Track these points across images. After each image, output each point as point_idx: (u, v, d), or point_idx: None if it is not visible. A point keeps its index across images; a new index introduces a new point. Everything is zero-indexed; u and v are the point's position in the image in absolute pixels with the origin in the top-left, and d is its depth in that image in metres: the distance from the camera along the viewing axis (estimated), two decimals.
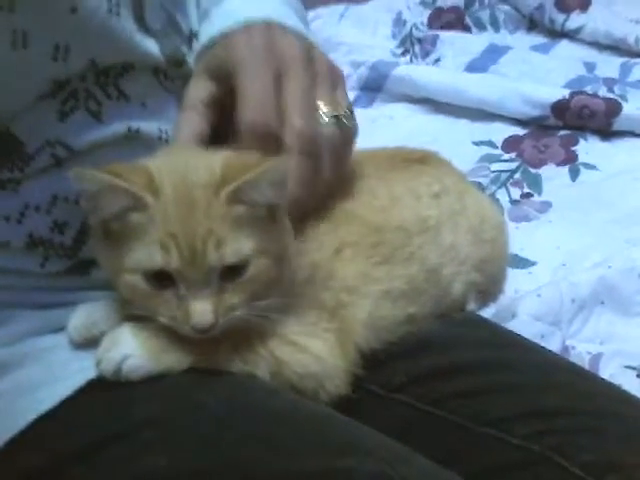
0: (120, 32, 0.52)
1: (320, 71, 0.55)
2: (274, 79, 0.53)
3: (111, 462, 0.48)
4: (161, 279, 0.47)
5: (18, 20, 0.48)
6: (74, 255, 0.55)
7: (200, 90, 0.55)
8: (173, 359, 0.50)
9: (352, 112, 0.56)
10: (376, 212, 0.59)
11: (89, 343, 0.52)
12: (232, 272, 0.48)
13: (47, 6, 0.48)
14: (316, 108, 0.54)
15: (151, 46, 0.55)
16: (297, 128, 0.51)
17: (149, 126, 0.56)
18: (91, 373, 0.50)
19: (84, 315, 0.53)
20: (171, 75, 0.58)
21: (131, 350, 0.49)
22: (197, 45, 0.59)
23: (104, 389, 0.50)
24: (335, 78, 0.57)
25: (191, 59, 0.60)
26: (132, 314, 0.52)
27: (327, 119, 0.54)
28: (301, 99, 0.52)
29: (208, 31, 0.57)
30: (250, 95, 0.52)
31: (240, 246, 0.47)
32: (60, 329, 0.53)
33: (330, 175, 0.54)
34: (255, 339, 0.51)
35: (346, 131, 0.55)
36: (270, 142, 0.51)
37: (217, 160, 0.49)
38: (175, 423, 0.49)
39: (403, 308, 0.58)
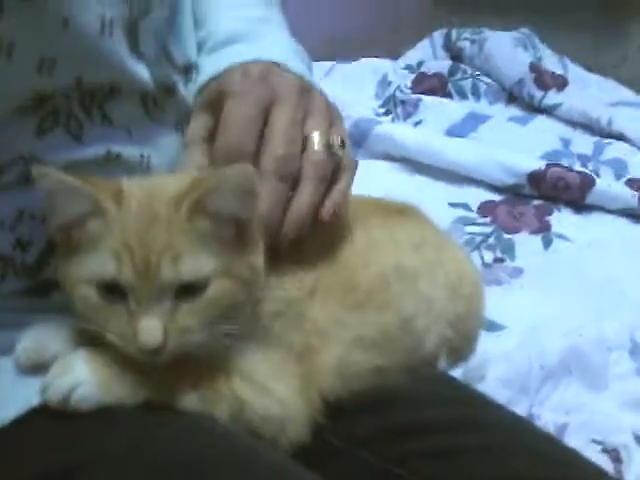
0: (111, 53, 0.51)
1: (316, 104, 0.55)
2: (262, 108, 0.53)
3: None
4: (113, 292, 0.45)
5: (4, 28, 0.46)
6: (36, 275, 0.52)
7: (199, 125, 0.56)
8: (126, 391, 0.47)
9: (345, 144, 0.56)
10: (353, 256, 0.57)
11: (37, 368, 0.49)
12: (189, 292, 0.45)
13: (37, 17, 0.47)
14: (303, 137, 0.53)
15: (141, 70, 0.54)
16: (275, 154, 0.51)
17: (130, 151, 0.54)
18: (35, 400, 0.47)
19: (35, 336, 0.50)
20: (161, 103, 0.57)
21: (82, 378, 0.46)
22: (198, 78, 0.59)
23: (49, 418, 0.46)
24: (332, 114, 0.57)
25: (186, 90, 0.59)
26: (87, 339, 0.49)
27: (317, 147, 0.53)
28: (286, 128, 0.52)
29: (211, 68, 0.57)
30: (230, 121, 0.52)
31: (199, 264, 0.45)
32: (9, 351, 0.50)
33: (312, 195, 0.53)
34: (217, 376, 0.48)
35: (337, 160, 0.55)
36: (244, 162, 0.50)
37: (187, 177, 0.48)
38: (124, 462, 0.45)
39: (374, 358, 0.56)
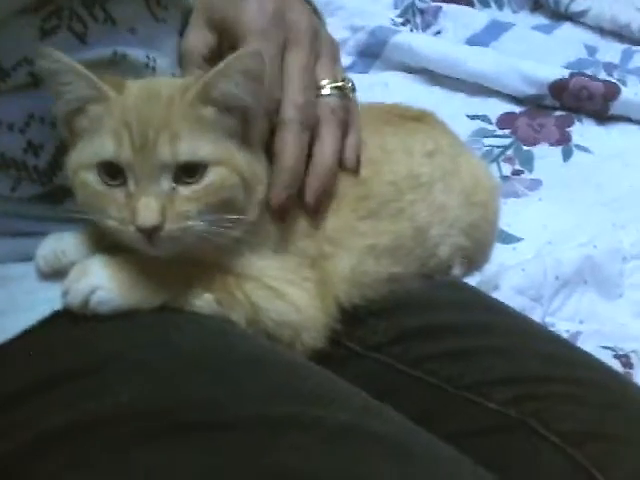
0: None
1: (323, 47, 0.55)
2: (279, 50, 0.52)
3: (71, 396, 0.46)
4: (113, 175, 0.45)
5: None
6: (48, 181, 0.52)
7: (201, 43, 0.55)
8: (144, 295, 0.47)
9: (352, 84, 0.57)
10: (366, 164, 0.56)
11: (57, 273, 0.49)
12: (188, 176, 0.45)
13: None
14: (317, 81, 0.54)
15: None
16: (295, 101, 0.51)
17: (136, 53, 0.53)
18: (57, 304, 0.48)
19: (53, 244, 0.50)
20: (164, 3, 0.55)
21: (101, 282, 0.47)
22: None
23: (70, 322, 0.47)
24: (336, 53, 0.57)
25: None
26: (104, 246, 0.50)
27: (330, 91, 0.54)
28: (302, 73, 0.52)
29: None
30: None
31: (198, 146, 0.45)
32: (28, 259, 0.51)
33: (334, 143, 0.53)
34: (231, 280, 0.49)
35: (347, 101, 0.55)
36: (271, 108, 0.51)
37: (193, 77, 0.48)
38: (141, 360, 0.47)
39: (387, 266, 0.56)
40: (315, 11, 0.58)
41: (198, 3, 0.56)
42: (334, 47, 0.57)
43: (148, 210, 0.44)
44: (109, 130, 0.45)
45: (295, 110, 0.51)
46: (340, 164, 0.54)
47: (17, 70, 0.49)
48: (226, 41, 0.54)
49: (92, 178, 0.46)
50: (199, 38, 0.55)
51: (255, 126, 0.48)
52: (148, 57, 0.54)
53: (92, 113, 0.46)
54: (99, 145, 0.45)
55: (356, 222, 0.55)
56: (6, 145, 0.50)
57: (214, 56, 0.54)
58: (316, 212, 0.52)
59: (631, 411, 0.52)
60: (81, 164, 0.46)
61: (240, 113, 0.47)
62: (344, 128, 0.54)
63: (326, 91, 0.54)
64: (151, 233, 0.44)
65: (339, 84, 0.54)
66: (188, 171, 0.45)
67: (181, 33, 0.57)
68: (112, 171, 0.45)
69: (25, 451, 0.46)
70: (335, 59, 0.57)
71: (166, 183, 0.45)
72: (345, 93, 0.55)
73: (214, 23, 0.54)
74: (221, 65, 0.46)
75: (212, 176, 0.46)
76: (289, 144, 0.51)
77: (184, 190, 0.45)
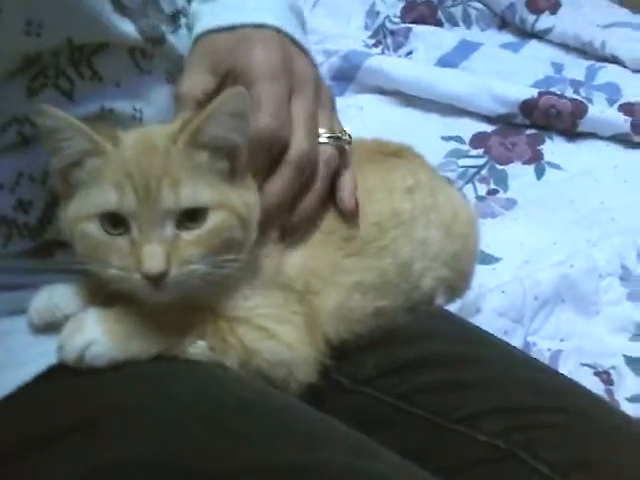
0: (95, 11, 0.50)
1: (324, 98, 0.58)
2: (288, 94, 0.54)
3: (71, 452, 0.47)
4: (115, 224, 0.46)
5: None
6: (38, 236, 0.53)
7: (197, 87, 0.55)
8: (139, 346, 0.48)
9: (348, 134, 0.59)
10: None
11: (51, 327, 0.50)
12: (190, 222, 0.47)
13: None
14: (318, 130, 0.56)
15: (127, 26, 0.54)
16: (301, 147, 0.53)
17: (123, 105, 0.54)
18: (53, 358, 0.48)
19: (46, 297, 0.51)
20: (149, 54, 0.56)
21: (95, 336, 0.47)
22: (195, 26, 0.58)
23: (66, 375, 0.48)
24: (333, 104, 0.60)
25: (175, 37, 0.58)
26: (97, 298, 0.50)
27: (326, 140, 0.56)
28: (308, 120, 0.54)
29: (214, 19, 0.57)
30: (270, 104, 0.52)
31: (198, 192, 0.46)
32: (20, 312, 0.51)
33: (323, 194, 0.56)
34: (222, 324, 0.50)
35: (342, 150, 0.57)
36: (278, 147, 0.52)
37: (180, 122, 0.49)
38: (141, 412, 0.47)
39: (373, 301, 0.57)
40: (314, 63, 0.59)
41: (199, 49, 0.57)
42: (331, 98, 0.60)
43: (154, 257, 0.45)
44: (110, 181, 0.46)
45: (299, 155, 0.53)
46: (339, 208, 0.56)
47: (7, 130, 0.50)
48: (222, 80, 0.55)
49: (93, 228, 0.47)
50: (197, 82, 0.55)
51: (242, 156, 0.50)
52: (135, 109, 0.55)
53: (90, 166, 0.47)
54: (100, 196, 0.46)
55: (342, 260, 0.56)
56: None
57: (209, 98, 0.54)
58: (296, 231, 0.54)
59: (617, 439, 0.53)
60: (80, 216, 0.47)
61: (228, 151, 0.49)
62: (334, 177, 0.56)
63: (323, 139, 0.56)
64: (157, 279, 0.45)
65: (336, 134, 0.57)
66: (190, 216, 0.46)
67: (167, 80, 0.58)
68: (114, 221, 0.46)
69: None
70: (333, 109, 0.59)
71: (169, 229, 0.46)
72: (341, 144, 0.57)
73: (219, 69, 0.55)
74: (208, 109, 0.47)
75: (213, 220, 0.47)
76: (280, 180, 0.52)
77: (187, 235, 0.46)
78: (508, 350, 0.62)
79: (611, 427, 0.54)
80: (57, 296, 0.51)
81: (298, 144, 0.53)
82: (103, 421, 0.47)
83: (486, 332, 0.64)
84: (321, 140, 0.56)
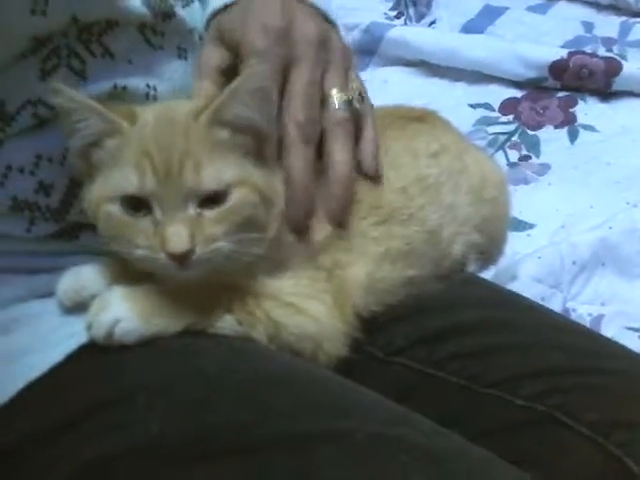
0: None
1: (333, 57, 0.55)
2: (279, 69, 0.52)
3: (103, 429, 0.47)
4: (138, 205, 0.46)
5: None
6: (61, 218, 0.53)
7: (214, 58, 0.55)
8: (166, 322, 0.48)
9: (363, 95, 0.57)
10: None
11: (78, 307, 0.50)
12: (212, 201, 0.46)
13: None
14: (325, 93, 0.54)
15: (134, 1, 0.53)
16: (296, 119, 0.52)
17: (136, 82, 0.54)
18: (82, 338, 0.49)
19: (73, 278, 0.51)
20: (160, 30, 0.56)
21: (122, 313, 0.47)
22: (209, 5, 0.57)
23: (96, 354, 0.48)
24: (347, 62, 0.57)
25: (186, 11, 0.58)
26: (122, 277, 0.50)
27: (338, 105, 0.54)
28: (304, 90, 0.53)
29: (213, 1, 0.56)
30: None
31: (220, 172, 0.46)
32: (48, 294, 0.52)
33: (343, 154, 0.53)
34: (249, 300, 0.49)
35: (358, 114, 0.55)
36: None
37: (201, 100, 0.49)
38: (169, 388, 0.47)
39: (402, 270, 0.56)
40: (326, 18, 0.57)
41: (212, 26, 0.57)
42: (345, 54, 0.57)
43: (178, 237, 0.44)
44: (129, 162, 0.46)
45: (296, 128, 0.52)
46: (360, 171, 0.54)
47: (21, 113, 0.50)
48: (237, 54, 0.54)
49: (116, 210, 0.46)
50: (214, 53, 0.55)
51: (269, 141, 0.49)
52: (148, 86, 0.54)
53: (108, 146, 0.47)
54: (121, 178, 0.46)
55: (368, 229, 0.55)
56: (18, 188, 0.51)
57: (231, 73, 0.54)
58: (341, 221, 0.52)
59: None
60: (103, 197, 0.47)
61: (253, 131, 0.48)
62: (353, 139, 0.54)
63: (333, 102, 0.54)
64: (183, 258, 0.45)
65: (346, 95, 0.55)
66: (212, 197, 0.46)
67: (179, 56, 0.58)
68: (136, 203, 0.46)
69: None
70: (346, 67, 0.56)
71: (192, 209, 0.45)
72: (352, 103, 0.55)
73: (225, 42, 0.55)
74: (231, 87, 0.47)
75: (235, 197, 0.46)
76: (294, 162, 0.52)
77: (209, 213, 0.46)
78: (544, 313, 0.60)
79: None
80: (83, 277, 0.51)
81: (292, 117, 0.52)
82: (131, 398, 0.47)
83: (520, 296, 0.63)
84: (330, 103, 0.54)
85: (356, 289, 0.53)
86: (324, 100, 0.54)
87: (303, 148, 0.52)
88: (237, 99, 0.47)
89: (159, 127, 0.47)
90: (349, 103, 0.55)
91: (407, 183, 0.57)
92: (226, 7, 0.56)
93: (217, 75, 0.55)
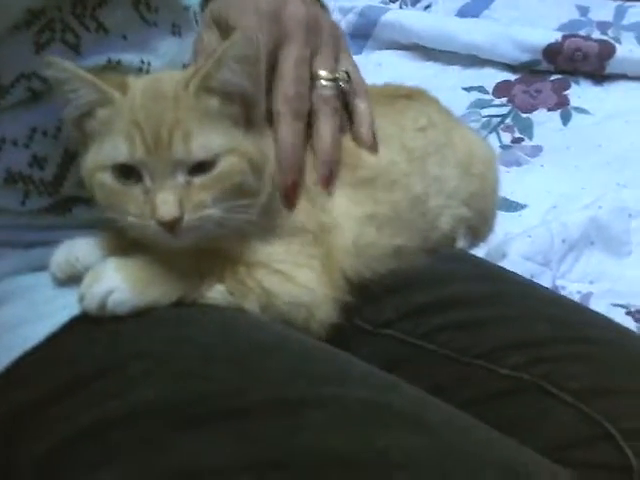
0: None
1: (323, 40, 0.58)
2: (272, 47, 0.55)
3: (97, 397, 0.48)
4: (129, 174, 0.47)
5: None
6: (55, 192, 0.53)
7: (213, 41, 0.57)
8: (159, 292, 0.49)
9: (351, 75, 0.59)
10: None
11: (72, 280, 0.51)
12: (201, 169, 0.47)
13: None
14: (314, 72, 0.56)
15: None
16: (285, 94, 0.54)
17: (130, 57, 0.54)
18: (75, 309, 0.49)
19: (66, 251, 0.52)
20: (154, 6, 0.56)
21: (115, 284, 0.48)
22: None
23: (89, 325, 0.49)
24: (337, 44, 0.60)
25: None
26: (115, 249, 0.51)
27: (326, 83, 0.57)
28: (294, 67, 0.55)
29: None
30: None
31: (209, 142, 0.47)
32: (42, 267, 0.52)
33: (329, 129, 0.56)
34: (241, 269, 0.50)
35: (346, 92, 0.58)
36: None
37: (191, 69, 0.49)
38: (163, 357, 0.48)
39: (390, 237, 0.57)
40: (317, 1, 0.59)
41: (208, 10, 0.59)
42: (335, 36, 0.59)
43: (167, 204, 0.45)
44: (119, 132, 0.47)
45: (285, 102, 0.53)
46: (359, 143, 0.57)
47: (15, 86, 0.50)
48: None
49: (108, 179, 0.47)
50: (211, 36, 0.57)
51: (257, 107, 0.50)
52: (142, 61, 0.55)
53: (101, 116, 0.48)
54: (112, 148, 0.47)
55: (352, 191, 0.56)
56: (12, 160, 0.52)
57: None
58: (328, 184, 0.55)
59: None
60: (96, 166, 0.48)
61: (241, 98, 0.49)
62: (339, 117, 0.56)
63: (321, 82, 0.56)
64: (172, 225, 0.46)
65: (332, 75, 0.57)
66: (201, 164, 0.47)
67: (173, 33, 0.59)
68: (127, 171, 0.47)
69: (57, 451, 0.48)
70: (335, 49, 0.59)
71: (181, 177, 0.46)
72: (338, 81, 0.57)
73: (221, 26, 0.57)
74: (216, 54, 0.47)
75: (223, 165, 0.47)
76: (283, 133, 0.53)
77: (198, 180, 0.47)
78: (530, 287, 0.62)
79: (634, 354, 0.53)
80: (77, 249, 0.52)
81: (281, 92, 0.54)
82: (125, 367, 0.48)
83: (507, 271, 0.64)
84: (318, 83, 0.56)
85: (343, 253, 0.54)
86: (313, 80, 0.56)
87: (292, 122, 0.53)
88: (223, 66, 0.47)
89: (149, 96, 0.47)
90: (335, 81, 0.57)
91: (392, 152, 0.58)
92: None
93: None
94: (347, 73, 0.58)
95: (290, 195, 0.53)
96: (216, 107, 0.48)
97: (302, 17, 0.56)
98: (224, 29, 0.56)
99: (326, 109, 0.55)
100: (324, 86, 0.56)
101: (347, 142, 0.57)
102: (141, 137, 0.46)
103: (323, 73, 0.56)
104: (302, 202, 0.53)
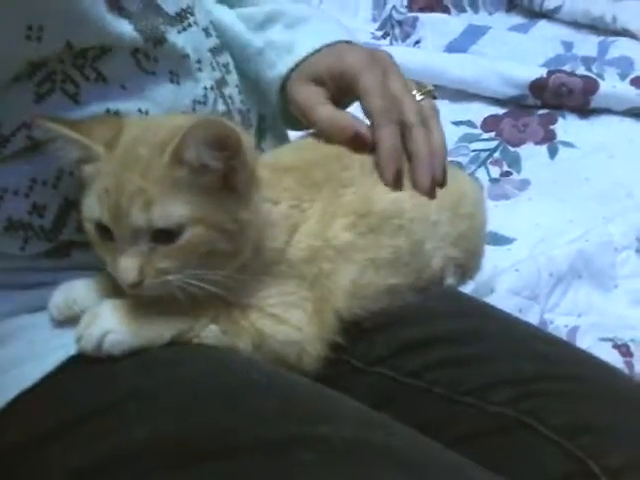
0: (91, 13, 0.52)
1: (388, 68, 0.66)
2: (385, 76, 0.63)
3: (93, 436, 0.49)
4: (106, 230, 0.49)
5: None
6: (54, 238, 0.55)
7: (313, 92, 0.64)
8: (154, 333, 0.50)
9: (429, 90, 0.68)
10: (367, 185, 0.59)
11: (70, 321, 0.52)
12: (166, 236, 0.48)
13: None
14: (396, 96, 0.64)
15: (124, 27, 0.55)
16: (415, 107, 0.63)
17: (128, 107, 0.56)
18: (72, 349, 0.51)
19: (65, 293, 0.53)
20: (152, 55, 0.58)
21: (111, 326, 0.49)
22: (294, 52, 0.66)
23: (86, 364, 0.50)
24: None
25: (183, 36, 0.60)
26: (112, 291, 0.52)
27: (420, 96, 0.66)
28: (406, 88, 0.64)
29: (304, 46, 0.65)
30: (374, 89, 0.62)
31: (172, 211, 0.47)
32: (41, 308, 0.54)
33: (439, 134, 0.65)
34: (235, 311, 0.51)
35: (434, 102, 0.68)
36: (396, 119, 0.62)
37: (186, 119, 0.50)
38: (154, 396, 0.49)
39: (386, 277, 0.58)
40: None
41: (300, 70, 0.65)
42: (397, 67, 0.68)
43: (127, 271, 0.47)
44: (96, 192, 0.49)
45: (380, 114, 0.62)
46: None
47: (16, 135, 0.52)
48: (336, 89, 0.64)
49: (92, 230, 0.50)
50: (310, 89, 0.64)
51: (239, 174, 0.50)
52: (140, 110, 0.56)
53: (87, 172, 0.50)
54: (90, 205, 0.49)
55: (357, 237, 0.57)
56: (13, 209, 0.53)
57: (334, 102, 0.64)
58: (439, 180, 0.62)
59: (623, 401, 0.54)
60: (84, 216, 0.50)
61: (218, 172, 0.48)
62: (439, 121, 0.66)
63: (419, 97, 0.65)
64: (133, 287, 0.48)
65: (425, 90, 0.66)
66: (166, 232, 0.48)
67: (171, 80, 0.60)
68: (104, 228, 0.49)
69: None
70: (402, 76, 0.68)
71: (144, 244, 0.48)
72: (432, 95, 0.67)
73: (320, 77, 0.63)
74: (183, 132, 0.47)
75: (189, 235, 0.48)
76: (385, 135, 0.61)
77: (163, 248, 0.48)
78: (516, 324, 0.63)
79: (618, 391, 0.54)
80: (75, 291, 0.53)
81: (409, 106, 0.62)
82: (120, 407, 0.49)
83: (494, 308, 0.65)
84: (418, 97, 0.65)
85: (340, 295, 0.55)
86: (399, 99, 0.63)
87: (391, 126, 0.61)
88: (188, 146, 0.47)
89: (123, 161, 0.48)
90: (428, 93, 0.66)
91: (401, 196, 0.59)
92: (315, 55, 0.64)
93: (327, 100, 0.63)
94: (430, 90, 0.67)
95: (395, 180, 0.59)
96: (186, 177, 0.48)
97: (387, 55, 0.66)
98: (324, 79, 0.63)
99: (427, 117, 0.64)
100: (420, 98, 0.65)
101: (360, 189, 0.58)
102: (107, 203, 0.48)
103: (415, 89, 0.65)
104: (303, 240, 0.54)
